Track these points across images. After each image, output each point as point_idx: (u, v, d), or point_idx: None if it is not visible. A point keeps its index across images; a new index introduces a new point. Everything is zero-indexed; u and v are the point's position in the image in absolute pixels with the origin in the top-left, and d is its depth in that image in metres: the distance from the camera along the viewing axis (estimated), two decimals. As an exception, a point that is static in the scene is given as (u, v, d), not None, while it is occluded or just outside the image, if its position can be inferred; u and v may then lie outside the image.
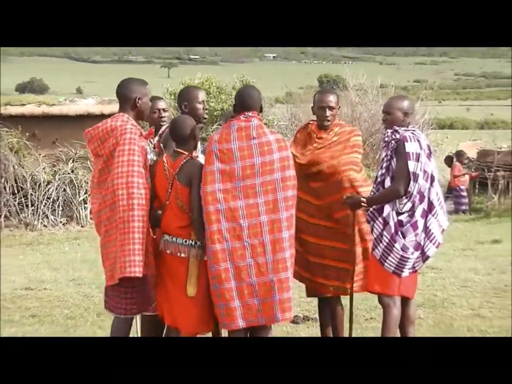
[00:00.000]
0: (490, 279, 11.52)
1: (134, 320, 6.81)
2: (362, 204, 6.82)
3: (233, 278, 6.10)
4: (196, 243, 6.20)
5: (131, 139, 6.24)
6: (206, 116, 7.00)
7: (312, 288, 7.37)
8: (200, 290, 6.21)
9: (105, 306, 6.57)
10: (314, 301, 8.73)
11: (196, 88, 7.35)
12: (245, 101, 6.35)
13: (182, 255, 6.21)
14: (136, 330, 7.00)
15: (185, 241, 6.21)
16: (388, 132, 6.92)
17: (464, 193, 21.31)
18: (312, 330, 8.67)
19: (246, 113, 6.30)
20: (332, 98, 7.20)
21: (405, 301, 6.94)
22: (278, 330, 8.45)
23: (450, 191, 21.40)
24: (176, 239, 6.22)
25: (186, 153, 6.27)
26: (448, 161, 22.89)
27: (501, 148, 23.21)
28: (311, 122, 7.37)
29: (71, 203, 18.30)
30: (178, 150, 6.29)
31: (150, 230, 6.44)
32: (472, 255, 13.75)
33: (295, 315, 9.14)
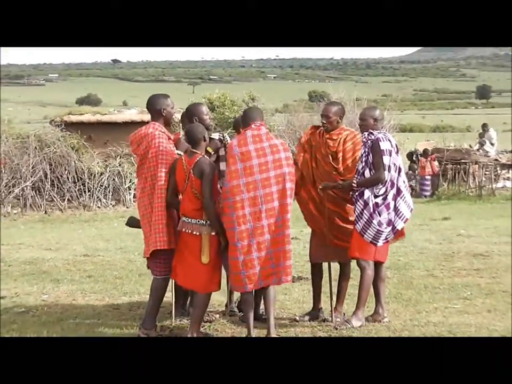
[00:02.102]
0: (441, 247, 11.48)
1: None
2: (353, 186, 6.79)
3: (255, 250, 6.16)
4: (206, 222, 6.22)
5: (159, 143, 6.39)
6: (211, 124, 6.97)
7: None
8: (211, 258, 6.24)
9: (148, 267, 6.66)
10: (306, 264, 8.69)
11: (199, 104, 7.35)
12: (254, 114, 6.45)
13: (196, 232, 6.22)
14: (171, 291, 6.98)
15: (198, 221, 6.22)
16: (365, 134, 6.89)
17: (428, 182, 21.48)
18: (304, 287, 8.62)
19: (256, 122, 6.36)
20: (328, 109, 7.10)
21: (378, 264, 6.94)
22: (277, 288, 8.40)
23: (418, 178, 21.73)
24: (191, 220, 6.23)
25: (199, 152, 6.32)
26: (410, 156, 22.94)
27: (449, 147, 23.18)
28: (316, 127, 7.28)
29: (119, 189, 18.31)
30: (193, 150, 6.35)
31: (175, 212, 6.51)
32: (427, 229, 13.70)
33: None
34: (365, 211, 6.75)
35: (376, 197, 6.75)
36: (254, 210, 6.15)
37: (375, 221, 6.72)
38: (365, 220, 6.75)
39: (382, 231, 6.75)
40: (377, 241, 6.77)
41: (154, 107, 6.58)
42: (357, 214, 6.83)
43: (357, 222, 6.82)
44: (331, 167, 7.02)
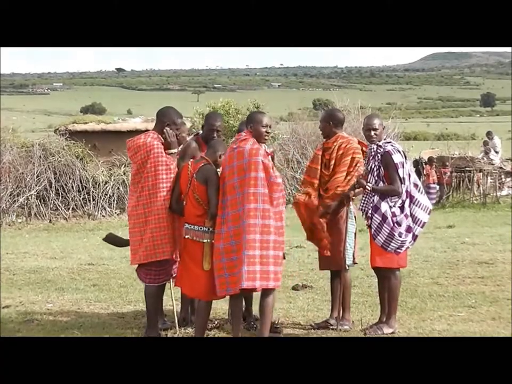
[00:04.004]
0: (446, 255, 11.47)
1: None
2: (367, 188, 6.73)
3: (223, 256, 6.07)
4: (208, 229, 6.19)
5: (158, 153, 6.41)
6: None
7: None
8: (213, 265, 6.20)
9: (139, 277, 6.69)
10: (311, 273, 8.72)
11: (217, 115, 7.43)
12: (247, 124, 6.37)
13: (198, 239, 6.20)
14: (171, 297, 6.98)
15: (201, 228, 6.20)
16: (373, 147, 6.82)
17: (433, 191, 21.33)
18: (309, 295, 8.62)
19: (241, 133, 6.35)
20: (321, 118, 7.28)
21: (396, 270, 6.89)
22: (282, 296, 8.42)
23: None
24: (194, 227, 6.22)
25: (206, 158, 6.28)
26: (415, 163, 22.92)
27: (453, 155, 23.14)
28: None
29: (124, 198, 18.29)
30: (202, 155, 6.35)
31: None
32: (431, 237, 13.68)
33: (296, 283, 9.11)
34: (384, 225, 6.71)
35: (392, 208, 6.72)
36: (223, 215, 6.10)
37: (396, 233, 6.70)
38: (386, 234, 6.71)
39: (405, 240, 6.73)
40: (401, 250, 6.77)
41: (161, 118, 6.59)
42: (375, 228, 6.77)
43: (376, 236, 6.77)
44: (324, 176, 7.06)
